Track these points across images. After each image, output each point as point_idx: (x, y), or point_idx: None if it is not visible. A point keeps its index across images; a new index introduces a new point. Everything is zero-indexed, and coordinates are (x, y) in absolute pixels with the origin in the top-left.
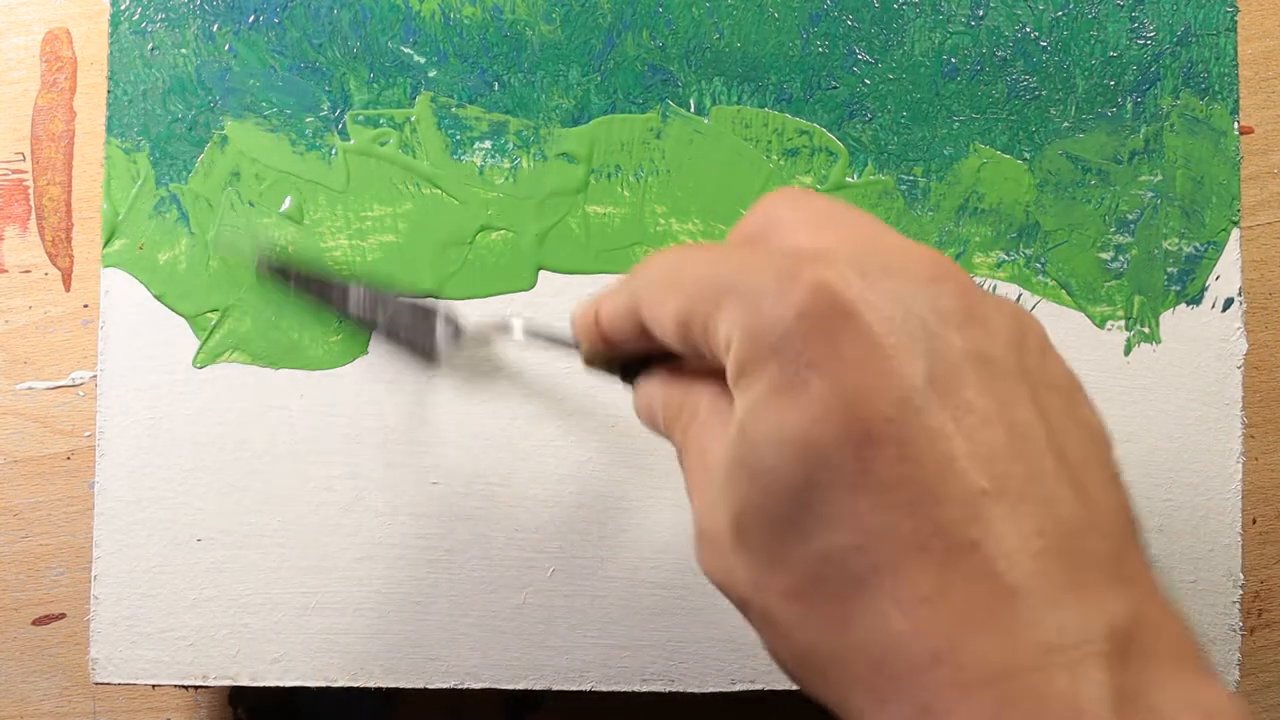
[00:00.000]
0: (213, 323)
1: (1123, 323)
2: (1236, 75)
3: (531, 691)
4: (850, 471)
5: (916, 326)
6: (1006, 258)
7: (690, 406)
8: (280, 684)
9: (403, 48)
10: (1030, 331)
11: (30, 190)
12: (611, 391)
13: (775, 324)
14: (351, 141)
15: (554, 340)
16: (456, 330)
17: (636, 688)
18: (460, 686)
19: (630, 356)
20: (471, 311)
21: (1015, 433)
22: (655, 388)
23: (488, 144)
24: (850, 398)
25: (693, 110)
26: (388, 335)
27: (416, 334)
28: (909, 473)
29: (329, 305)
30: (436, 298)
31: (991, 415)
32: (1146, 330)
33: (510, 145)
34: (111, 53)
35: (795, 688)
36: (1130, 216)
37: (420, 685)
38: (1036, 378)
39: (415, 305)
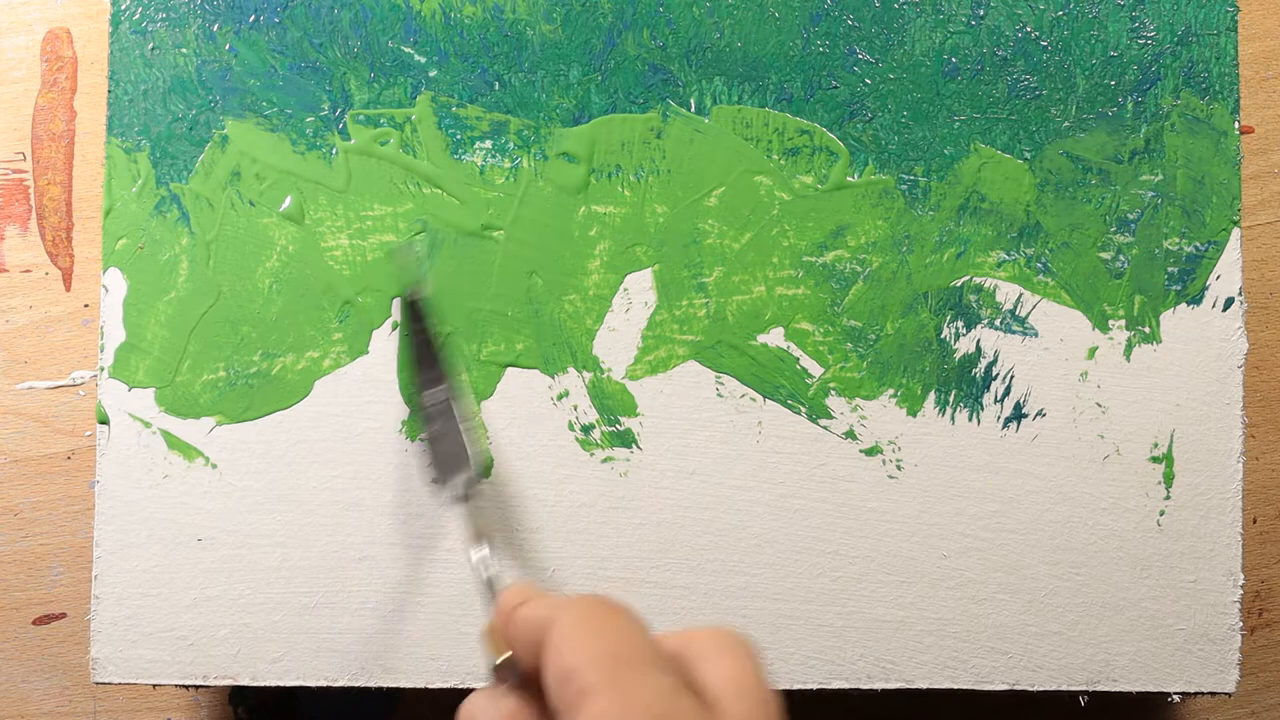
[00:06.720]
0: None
1: (1123, 323)
2: (1237, 75)
3: None
4: None
5: None
6: (1007, 257)
7: None
8: (280, 684)
9: (403, 47)
10: None
11: (30, 190)
12: None
13: None
14: (352, 141)
15: (489, 592)
16: (471, 480)
17: None
18: (460, 686)
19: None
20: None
21: None
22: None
23: (488, 143)
24: None
25: (693, 110)
26: (426, 436)
27: (441, 457)
28: None
29: (416, 372)
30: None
31: None
32: (1147, 330)
33: (511, 145)
34: (112, 52)
35: (794, 687)
36: (1131, 216)
37: (420, 685)
38: None
39: (458, 440)
